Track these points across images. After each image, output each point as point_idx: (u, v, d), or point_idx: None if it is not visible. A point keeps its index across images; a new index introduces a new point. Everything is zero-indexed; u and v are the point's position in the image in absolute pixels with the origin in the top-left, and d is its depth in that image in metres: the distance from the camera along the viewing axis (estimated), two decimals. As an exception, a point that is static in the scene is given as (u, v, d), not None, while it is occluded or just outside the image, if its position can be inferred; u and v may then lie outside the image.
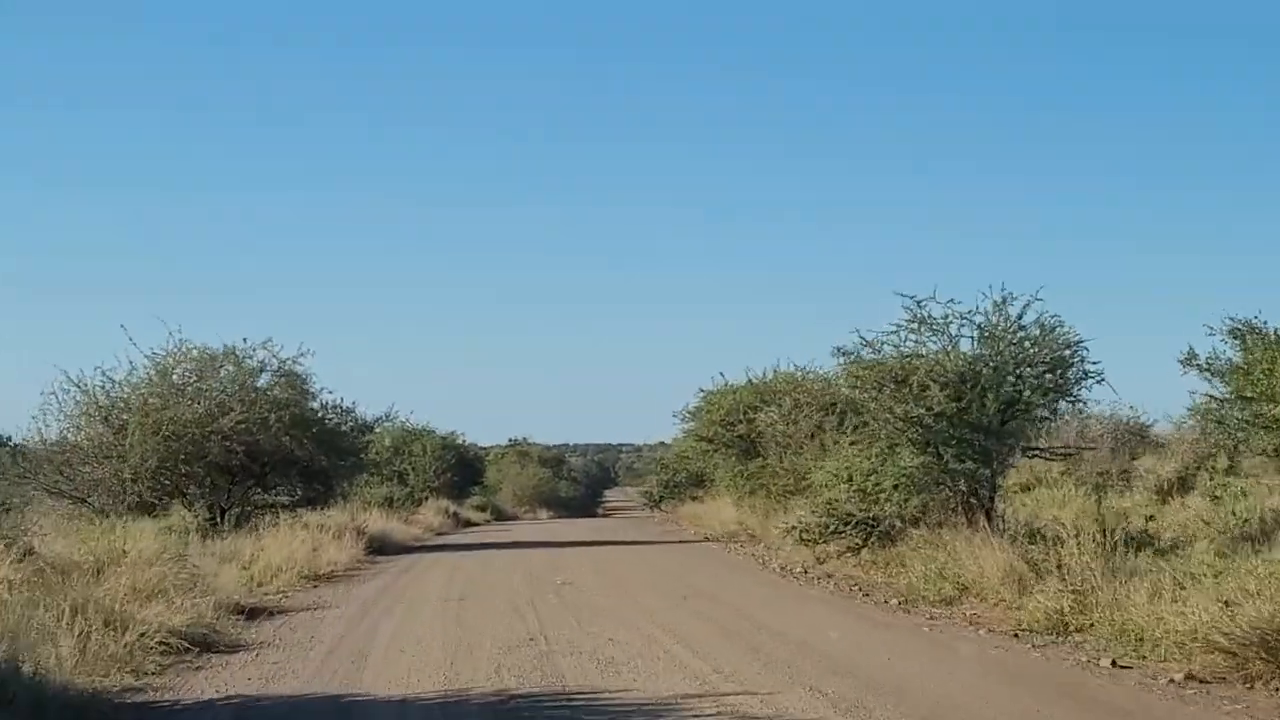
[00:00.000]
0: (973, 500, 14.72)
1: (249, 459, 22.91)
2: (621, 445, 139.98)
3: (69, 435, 23.34)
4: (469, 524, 39.05)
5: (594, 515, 62.95)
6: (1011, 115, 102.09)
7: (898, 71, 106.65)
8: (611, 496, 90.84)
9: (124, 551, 13.96)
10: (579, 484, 70.06)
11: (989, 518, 14.65)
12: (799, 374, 33.20)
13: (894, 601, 13.24)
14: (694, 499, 39.28)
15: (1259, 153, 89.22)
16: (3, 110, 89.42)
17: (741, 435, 32.70)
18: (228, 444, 22.45)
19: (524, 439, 68.44)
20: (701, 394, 35.01)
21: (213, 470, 23.00)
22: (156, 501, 24.12)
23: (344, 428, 32.51)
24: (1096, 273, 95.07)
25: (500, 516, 46.36)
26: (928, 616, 12.05)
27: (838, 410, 27.00)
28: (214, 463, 22.68)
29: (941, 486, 14.88)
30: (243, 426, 22.57)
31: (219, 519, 23.52)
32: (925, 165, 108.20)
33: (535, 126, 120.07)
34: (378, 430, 43.98)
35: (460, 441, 45.83)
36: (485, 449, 58.34)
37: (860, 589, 14.61)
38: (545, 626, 11.75)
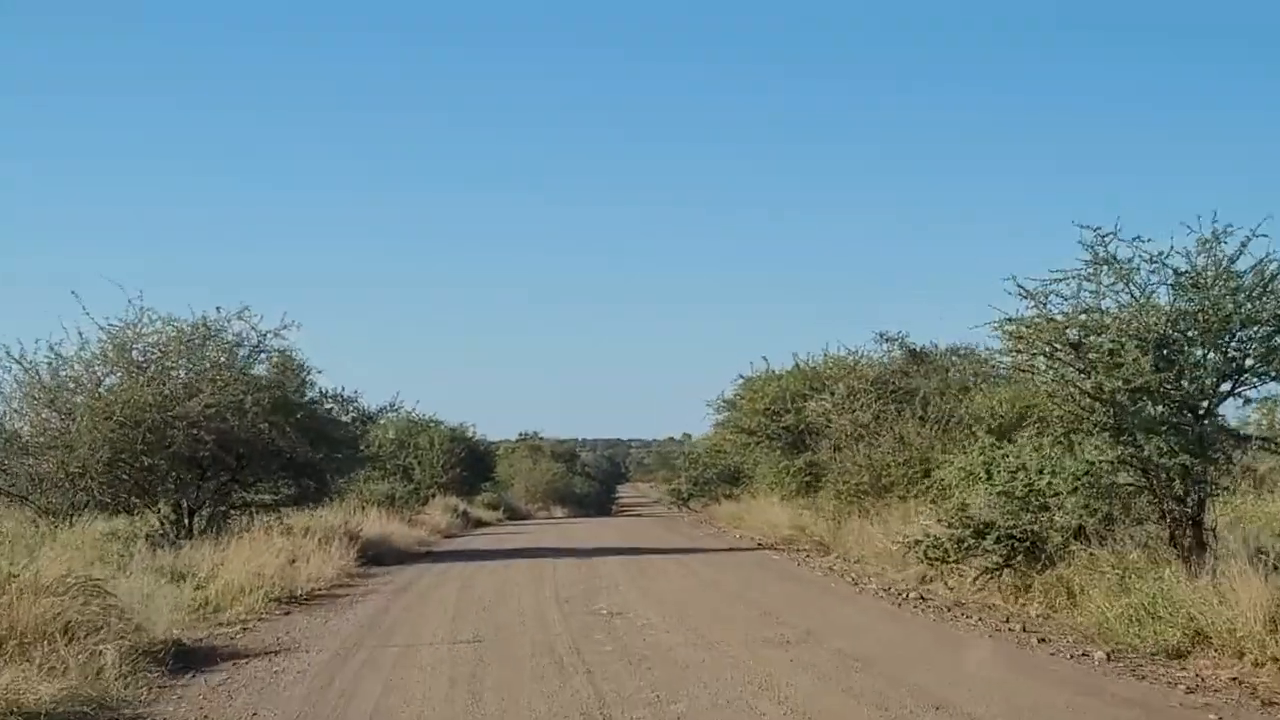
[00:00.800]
0: (1179, 508, 10.56)
1: (221, 450, 18.84)
2: (631, 440, 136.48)
3: (7, 422, 19.41)
4: (480, 524, 34.96)
5: (610, 513, 58.99)
6: (1012, 115, 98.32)
7: (899, 71, 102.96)
8: (624, 492, 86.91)
9: (11, 575, 9.94)
10: (593, 480, 65.92)
11: (1198, 531, 10.53)
12: (851, 358, 29.20)
13: (1097, 655, 9.09)
14: (728, 497, 35.23)
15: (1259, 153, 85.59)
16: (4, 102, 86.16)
17: (788, 426, 28.62)
18: (195, 432, 18.43)
19: (534, 433, 64.46)
20: (740, 381, 30.96)
21: (178, 463, 18.96)
22: (111, 500, 20.30)
23: (344, 417, 28.92)
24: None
25: (513, 515, 42.29)
26: (1180, 687, 7.87)
27: (920, 396, 23.17)
28: (179, 454, 18.64)
29: (1140, 489, 10.72)
30: (213, 411, 18.54)
31: (188, 522, 19.55)
32: (925, 165, 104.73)
33: (537, 127, 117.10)
34: (382, 421, 40.44)
35: (470, 434, 41.74)
36: (494, 444, 54.13)
37: (1022, 627, 10.48)
38: (607, 699, 7.63)
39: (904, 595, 13.17)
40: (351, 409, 38.78)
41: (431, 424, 39.88)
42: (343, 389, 32.82)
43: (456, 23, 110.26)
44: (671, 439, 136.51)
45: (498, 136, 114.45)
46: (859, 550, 17.92)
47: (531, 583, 15.27)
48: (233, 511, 20.43)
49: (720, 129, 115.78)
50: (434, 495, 34.40)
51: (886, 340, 32.97)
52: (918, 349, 33.19)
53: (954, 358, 37.42)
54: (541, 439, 63.49)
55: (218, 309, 19.55)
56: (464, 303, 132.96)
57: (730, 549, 21.36)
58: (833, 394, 27.46)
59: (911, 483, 19.10)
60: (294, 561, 15.92)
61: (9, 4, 70.45)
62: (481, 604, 13.12)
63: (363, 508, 26.57)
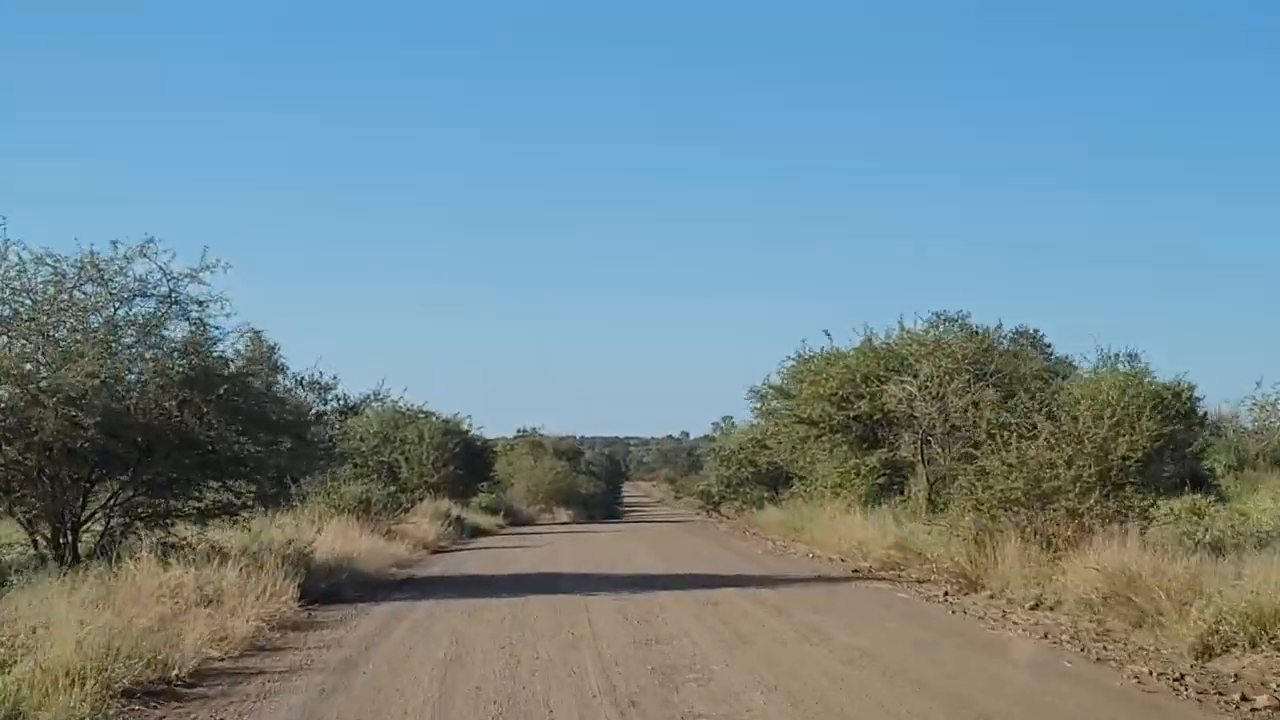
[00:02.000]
0: None
1: (110, 438, 12.90)
2: (628, 438, 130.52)
3: None
4: (477, 532, 28.89)
5: (617, 516, 53.03)
6: (1013, 122, 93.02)
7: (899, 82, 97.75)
8: (626, 491, 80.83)
9: None
10: (598, 479, 59.72)
11: None
12: (933, 332, 23.32)
13: None
14: (770, 500, 29.30)
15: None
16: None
17: (859, 416, 22.69)
18: (70, 412, 12.55)
19: (534, 429, 58.36)
20: (792, 363, 24.98)
21: (51, 458, 13.08)
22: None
23: (320, 405, 23.50)
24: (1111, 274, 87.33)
25: (514, 520, 36.24)
26: None
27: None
28: (50, 444, 12.76)
29: None
30: (98, 383, 12.63)
31: (70, 539, 13.66)
32: (921, 170, 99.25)
33: (530, 127, 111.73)
34: (365, 412, 34.57)
35: (465, 427, 35.65)
36: (492, 441, 47.99)
37: None
38: None
39: (1234, 697, 7.20)
40: (330, 398, 32.82)
41: (421, 415, 33.90)
42: (319, 373, 27.36)
43: (456, 29, 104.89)
44: (670, 437, 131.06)
45: (495, 135, 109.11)
46: (1026, 588, 12.01)
47: (561, 651, 9.25)
48: (139, 525, 14.47)
49: (714, 130, 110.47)
50: (422, 498, 28.42)
51: (945, 320, 27.12)
52: (979, 330, 27.36)
53: (1023, 343, 31.71)
54: (543, 435, 57.41)
55: (113, 244, 13.61)
56: (458, 300, 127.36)
57: (820, 578, 15.30)
58: (916, 376, 21.61)
59: (1084, 492, 13.19)
60: (179, 613, 9.95)
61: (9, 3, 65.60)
62: (482, 712, 7.11)
63: (330, 516, 20.61)
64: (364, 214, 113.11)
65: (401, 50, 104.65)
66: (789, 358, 25.22)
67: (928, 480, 21.00)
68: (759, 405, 30.70)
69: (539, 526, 35.60)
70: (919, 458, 21.11)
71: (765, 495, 29.64)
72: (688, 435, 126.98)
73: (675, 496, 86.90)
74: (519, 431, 58.57)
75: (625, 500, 70.90)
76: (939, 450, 21.05)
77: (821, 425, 22.80)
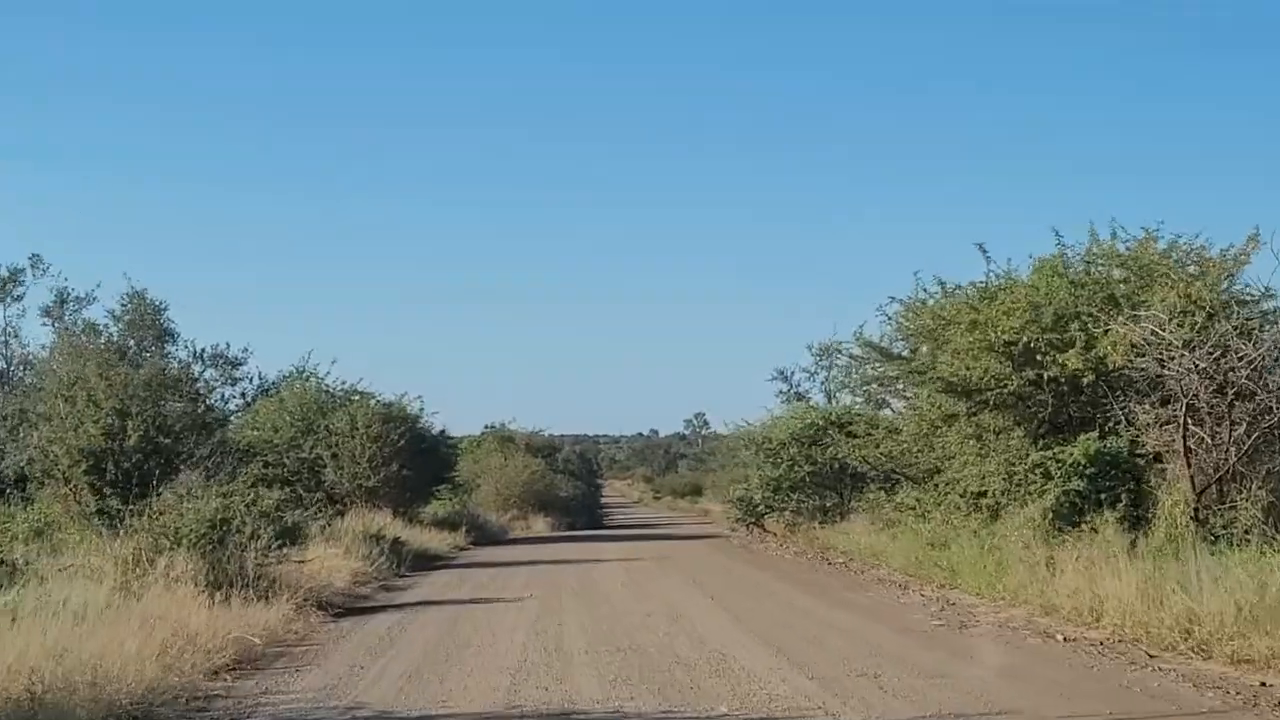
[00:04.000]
0: None
1: None
2: (599, 436, 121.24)
3: None
4: (425, 560, 19.24)
5: (600, 523, 43.63)
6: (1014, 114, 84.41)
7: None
8: (604, 493, 71.54)
9: None
10: (577, 479, 50.11)
11: None
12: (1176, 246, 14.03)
13: None
14: (837, 512, 19.99)
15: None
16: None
17: (1054, 379, 13.39)
18: None
19: (504, 424, 48.39)
20: (920, 300, 15.56)
21: None
22: None
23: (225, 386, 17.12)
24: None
25: (481, 535, 26.56)
26: None
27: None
28: None
29: None
30: None
31: None
32: (913, 165, 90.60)
33: (527, 127, 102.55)
34: (282, 393, 25.21)
35: (414, 412, 25.88)
36: (455, 438, 38.10)
37: None
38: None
39: None
40: (239, 377, 23.48)
41: (354, 396, 24.31)
42: (226, 345, 18.27)
43: (442, 30, 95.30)
44: (640, 434, 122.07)
45: (466, 136, 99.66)
46: None
47: None
48: None
49: (703, 129, 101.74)
50: (343, 512, 18.83)
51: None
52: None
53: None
54: (514, 430, 47.43)
55: None
56: (422, 296, 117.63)
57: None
58: (1160, 311, 12.40)
59: None
60: None
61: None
62: None
63: (156, 555, 11.09)
64: (349, 212, 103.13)
65: (396, 50, 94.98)
66: (894, 299, 15.89)
67: (1193, 485, 11.77)
68: (784, 390, 21.71)
69: (517, 546, 26.01)
70: (1178, 446, 11.83)
71: (832, 504, 20.30)
72: (657, 433, 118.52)
73: (655, 497, 77.77)
74: (487, 426, 48.87)
75: (604, 502, 61.47)
76: (1208, 434, 11.83)
77: (983, 395, 13.41)
